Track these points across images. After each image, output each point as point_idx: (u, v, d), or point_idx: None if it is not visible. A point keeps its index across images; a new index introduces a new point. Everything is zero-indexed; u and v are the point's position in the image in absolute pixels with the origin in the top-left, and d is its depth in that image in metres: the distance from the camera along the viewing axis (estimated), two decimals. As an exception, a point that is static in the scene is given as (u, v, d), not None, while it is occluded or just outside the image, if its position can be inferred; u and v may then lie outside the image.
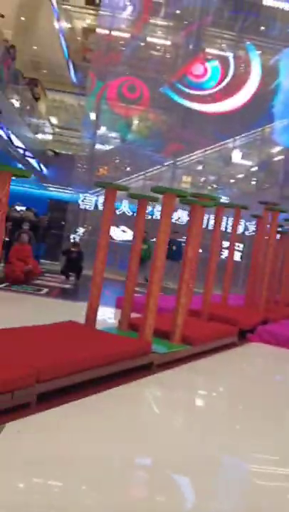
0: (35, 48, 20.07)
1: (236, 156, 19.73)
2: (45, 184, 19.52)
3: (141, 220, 5.97)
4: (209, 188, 19.74)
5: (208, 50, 19.84)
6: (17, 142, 14.75)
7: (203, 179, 20.32)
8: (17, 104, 16.01)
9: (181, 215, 16.62)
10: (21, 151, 15.83)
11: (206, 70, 18.46)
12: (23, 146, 15.40)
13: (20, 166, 17.03)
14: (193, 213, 5.78)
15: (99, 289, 5.49)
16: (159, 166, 18.49)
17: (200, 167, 19.93)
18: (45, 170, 19.28)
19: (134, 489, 2.94)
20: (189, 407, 4.70)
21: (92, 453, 3.16)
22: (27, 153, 15.90)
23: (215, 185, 20.04)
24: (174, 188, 5.45)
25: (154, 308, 5.11)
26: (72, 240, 15.08)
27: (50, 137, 21.44)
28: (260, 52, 19.38)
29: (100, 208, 17.89)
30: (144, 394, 4.52)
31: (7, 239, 12.14)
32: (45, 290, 10.00)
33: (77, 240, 17.83)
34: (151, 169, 18.27)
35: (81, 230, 18.20)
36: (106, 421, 3.74)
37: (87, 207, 17.30)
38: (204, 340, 6.09)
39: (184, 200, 5.85)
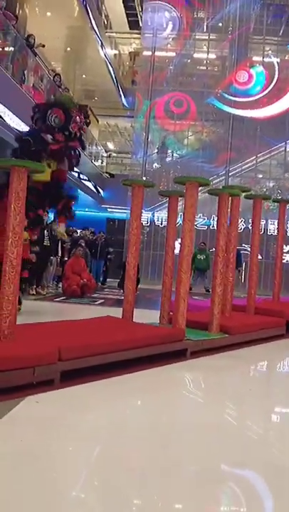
0: (84, 76, 20.96)
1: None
2: (103, 205, 20.10)
3: (173, 217, 6.14)
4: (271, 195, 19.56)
5: (253, 58, 19.92)
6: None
7: (262, 187, 20.16)
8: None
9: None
10: (79, 176, 16.45)
11: (250, 76, 18.53)
12: (78, 171, 15.99)
13: (79, 191, 17.74)
14: (221, 202, 5.86)
15: (133, 283, 5.65)
16: (213, 176, 18.57)
17: (258, 174, 19.84)
18: (102, 192, 19.87)
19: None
20: (214, 387, 4.73)
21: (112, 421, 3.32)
22: (83, 177, 16.50)
23: (278, 191, 19.84)
24: (195, 177, 5.57)
25: (184, 296, 5.21)
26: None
27: (105, 161, 22.09)
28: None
29: (156, 223, 18.23)
30: (172, 375, 4.60)
31: (66, 258, 12.63)
32: (101, 301, 10.30)
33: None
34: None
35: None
36: (131, 396, 3.90)
37: (144, 223, 17.62)
38: (243, 330, 6.10)
39: (212, 191, 5.98)
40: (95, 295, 11.47)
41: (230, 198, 6.29)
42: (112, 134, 26.04)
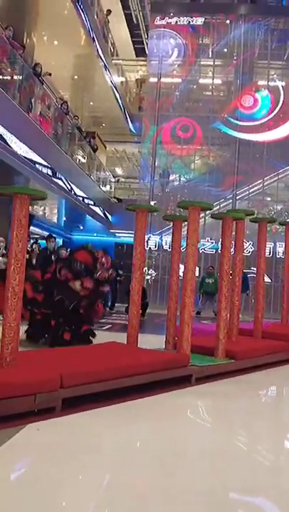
0: (92, 104, 21.27)
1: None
2: (111, 230, 20.18)
3: (177, 241, 6.14)
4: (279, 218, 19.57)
5: (258, 82, 20.14)
6: (79, 192, 15.50)
7: (269, 210, 20.18)
8: (83, 160, 17.02)
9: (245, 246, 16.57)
10: (86, 201, 16.59)
11: (255, 100, 18.72)
12: (85, 195, 16.14)
13: (88, 216, 17.90)
14: (224, 226, 5.85)
15: (137, 307, 5.62)
16: (220, 200, 18.63)
17: (265, 197, 19.87)
18: (110, 217, 19.97)
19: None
20: (221, 413, 4.66)
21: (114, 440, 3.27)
22: (89, 202, 16.63)
23: (286, 214, 19.84)
24: (198, 201, 5.57)
25: (189, 321, 5.17)
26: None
27: (113, 186, 22.25)
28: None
29: (165, 247, 18.24)
30: (176, 401, 4.54)
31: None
32: (108, 326, 10.27)
33: (150, 276, 18.25)
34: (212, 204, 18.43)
35: (153, 273, 18.58)
36: (133, 423, 3.84)
37: (152, 247, 17.68)
38: (249, 355, 6.03)
39: (216, 215, 5.98)
40: (103, 320, 11.41)
41: (235, 222, 6.29)
42: (120, 159, 26.29)
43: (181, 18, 19.61)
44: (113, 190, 22.25)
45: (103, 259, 6.81)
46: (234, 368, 5.73)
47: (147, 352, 5.21)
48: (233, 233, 6.42)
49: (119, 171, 26.38)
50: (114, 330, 9.90)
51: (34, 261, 10.78)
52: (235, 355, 5.80)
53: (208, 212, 6.32)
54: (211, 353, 5.78)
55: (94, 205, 17.22)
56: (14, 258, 3.98)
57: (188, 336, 5.15)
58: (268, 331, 7.45)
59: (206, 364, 5.33)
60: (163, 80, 19.86)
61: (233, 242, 6.57)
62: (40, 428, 3.43)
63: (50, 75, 13.98)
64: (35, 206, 16.41)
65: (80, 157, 16.68)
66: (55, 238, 11.56)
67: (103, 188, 19.76)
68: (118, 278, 15.33)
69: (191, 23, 19.61)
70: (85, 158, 17.14)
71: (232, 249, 6.18)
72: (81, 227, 21.17)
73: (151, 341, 6.51)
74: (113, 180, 22.62)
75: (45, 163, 11.98)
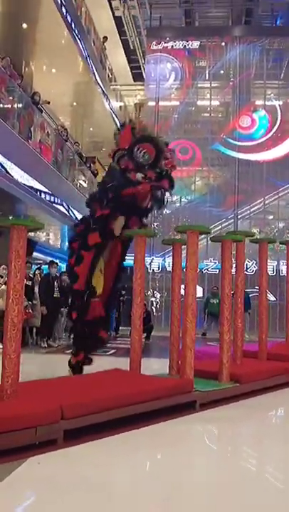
0: (91, 129, 21.48)
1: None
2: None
3: (177, 264, 6.13)
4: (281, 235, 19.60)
5: (256, 102, 20.34)
6: (80, 217, 15.53)
7: (272, 228, 20.21)
8: (84, 184, 17.14)
9: (248, 265, 16.56)
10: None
11: (253, 120, 18.90)
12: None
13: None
14: (224, 248, 5.85)
15: (139, 332, 5.59)
16: (222, 220, 18.67)
17: (267, 216, 19.90)
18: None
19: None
20: (227, 440, 4.59)
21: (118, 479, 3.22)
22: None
23: (287, 232, 19.86)
24: (196, 225, 5.57)
25: (191, 346, 5.13)
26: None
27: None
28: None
29: (168, 269, 18.22)
30: (180, 429, 4.48)
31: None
32: (112, 351, 10.20)
33: (155, 299, 18.21)
34: (214, 224, 18.50)
35: (158, 296, 18.56)
36: (136, 453, 3.79)
37: (155, 269, 17.68)
38: (254, 378, 5.96)
39: (215, 238, 5.98)
40: (107, 344, 11.36)
41: (235, 243, 6.29)
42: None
43: (177, 42, 19.91)
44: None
45: (168, 153, 6.02)
46: (239, 392, 5.67)
47: (150, 379, 5.17)
48: (234, 252, 6.42)
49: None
50: (119, 355, 9.81)
51: (36, 288, 10.77)
52: (240, 378, 5.74)
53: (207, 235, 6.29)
54: (215, 377, 5.73)
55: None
56: (13, 289, 3.98)
57: (191, 361, 5.11)
58: (272, 353, 7.38)
59: (210, 389, 5.28)
60: (161, 103, 20.08)
61: (234, 261, 6.58)
62: (41, 461, 3.39)
63: (48, 103, 14.16)
64: (37, 232, 16.49)
65: (81, 181, 16.80)
66: (57, 264, 11.57)
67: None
68: (121, 298, 15.30)
69: (186, 46, 19.90)
70: (85, 182, 17.25)
71: (233, 270, 6.16)
72: (84, 252, 21.15)
73: (156, 366, 6.48)
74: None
75: (46, 190, 12.06)
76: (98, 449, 3.77)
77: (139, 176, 5.76)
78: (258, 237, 19.73)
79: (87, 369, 6.02)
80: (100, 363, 8.78)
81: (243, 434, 4.72)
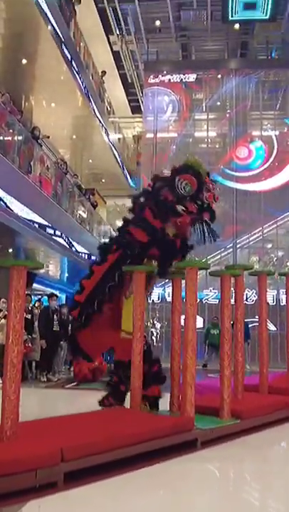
0: (91, 161, 21.73)
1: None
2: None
3: (177, 299, 6.14)
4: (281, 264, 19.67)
5: (252, 132, 20.61)
6: (80, 248, 15.63)
7: (271, 257, 20.26)
8: (84, 214, 17.27)
9: (248, 294, 16.55)
10: (87, 257, 16.68)
11: (250, 151, 19.14)
12: (86, 251, 16.25)
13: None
14: (223, 283, 5.86)
15: (139, 370, 5.56)
16: (221, 249, 18.73)
17: (266, 244, 19.97)
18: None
19: None
20: (229, 480, 4.54)
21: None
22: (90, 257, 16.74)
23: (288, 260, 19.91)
24: (196, 261, 5.57)
25: (192, 383, 5.10)
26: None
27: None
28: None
29: (168, 299, 18.19)
30: (182, 468, 4.43)
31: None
32: (112, 385, 10.10)
33: (155, 329, 18.12)
34: (213, 254, 18.57)
35: (158, 326, 18.50)
36: (137, 495, 3.74)
37: (155, 299, 17.65)
38: (255, 414, 5.92)
39: (214, 272, 6.01)
40: (107, 378, 11.26)
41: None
42: (121, 212, 26.57)
43: (174, 75, 20.26)
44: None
45: (210, 184, 5.79)
46: (240, 429, 5.62)
47: (151, 417, 5.13)
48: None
49: (120, 224, 26.61)
50: (120, 389, 9.73)
51: (36, 322, 10.74)
52: (241, 415, 5.69)
53: (211, 258, 6.32)
54: (216, 413, 5.68)
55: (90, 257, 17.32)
56: (12, 329, 3.98)
57: (191, 398, 5.07)
58: (274, 386, 7.33)
59: (211, 427, 5.23)
60: (159, 135, 20.33)
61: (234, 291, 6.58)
62: (41, 505, 3.36)
63: (48, 137, 14.35)
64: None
65: (80, 212, 16.93)
66: (57, 296, 11.57)
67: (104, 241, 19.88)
68: None
69: (183, 80, 20.25)
70: (85, 212, 17.37)
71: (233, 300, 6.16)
72: (84, 282, 21.16)
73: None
74: (114, 234, 22.78)
75: (46, 223, 12.14)
76: (99, 491, 3.73)
77: (180, 208, 5.64)
78: (257, 266, 19.96)
79: (86, 406, 5.99)
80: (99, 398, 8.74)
81: (245, 474, 4.67)
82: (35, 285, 17.29)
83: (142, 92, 21.59)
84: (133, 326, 5.57)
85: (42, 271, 18.12)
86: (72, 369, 11.43)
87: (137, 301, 5.64)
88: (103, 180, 23.64)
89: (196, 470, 4.53)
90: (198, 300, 17.33)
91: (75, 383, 10.17)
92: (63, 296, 22.37)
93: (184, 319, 5.22)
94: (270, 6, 17.36)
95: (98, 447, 3.99)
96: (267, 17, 17.92)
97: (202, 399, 6.24)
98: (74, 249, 14.75)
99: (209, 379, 10.16)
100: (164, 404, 5.99)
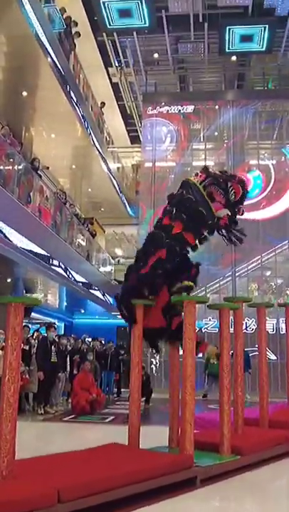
0: (90, 190, 21.90)
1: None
2: (113, 313, 20.11)
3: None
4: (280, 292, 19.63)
5: (250, 161, 20.79)
6: (79, 278, 15.60)
7: (270, 286, 20.23)
8: (83, 243, 17.32)
9: (248, 323, 16.48)
10: (85, 286, 16.66)
11: (248, 180, 19.24)
12: (84, 280, 16.24)
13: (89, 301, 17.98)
14: (222, 316, 5.84)
15: (138, 407, 5.50)
16: (220, 278, 18.71)
17: (265, 272, 19.95)
18: (111, 299, 19.96)
19: None
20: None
21: None
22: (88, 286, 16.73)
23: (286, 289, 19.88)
24: (195, 296, 5.54)
25: (191, 420, 5.04)
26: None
27: (113, 268, 22.35)
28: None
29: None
30: (181, 508, 4.34)
31: (75, 372, 12.46)
32: (111, 417, 9.98)
33: (154, 360, 17.97)
34: (212, 282, 18.55)
35: (157, 357, 18.33)
36: None
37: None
38: (256, 449, 5.83)
39: (212, 306, 6.00)
40: (106, 410, 11.15)
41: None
42: (120, 240, 26.68)
43: (172, 106, 20.51)
44: (113, 271, 22.38)
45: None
46: (240, 465, 5.54)
47: (149, 455, 5.05)
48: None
49: (119, 252, 26.68)
50: (118, 422, 9.53)
51: (34, 353, 10.67)
52: (241, 451, 5.62)
53: (211, 285, 6.30)
54: (216, 449, 5.60)
55: (94, 289, 17.30)
56: (9, 368, 3.95)
57: (190, 435, 5.01)
58: (274, 420, 7.24)
59: (210, 464, 5.15)
60: (158, 164, 20.47)
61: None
62: None
63: (47, 168, 14.46)
64: (34, 294, 16.51)
65: (79, 240, 16.98)
66: (55, 328, 11.50)
67: (103, 269, 19.89)
68: (120, 357, 15.17)
69: (181, 111, 20.49)
70: (84, 241, 17.42)
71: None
72: (82, 311, 21.14)
73: (156, 434, 6.32)
74: (113, 262, 22.81)
75: (44, 253, 12.14)
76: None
77: (225, 212, 5.72)
78: (257, 293, 19.92)
79: (84, 441, 5.89)
80: (98, 433, 8.65)
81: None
82: (33, 314, 17.25)
83: (141, 123, 21.83)
84: (131, 362, 5.54)
85: (40, 299, 18.10)
86: (70, 400, 11.32)
87: (134, 335, 5.61)
88: (102, 209, 23.78)
89: (195, 510, 4.45)
90: (198, 329, 17.31)
91: (73, 416, 10.07)
92: (62, 325, 22.31)
93: (183, 354, 5.18)
94: (266, 39, 17.66)
95: (95, 487, 3.91)
96: (263, 49, 18.21)
97: (202, 434, 6.18)
98: (72, 278, 14.73)
99: (209, 412, 10.03)
100: (164, 439, 5.91)
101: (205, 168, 5.98)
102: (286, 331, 9.05)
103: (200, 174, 5.87)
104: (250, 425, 7.00)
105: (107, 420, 9.71)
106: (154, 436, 6.29)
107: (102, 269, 19.56)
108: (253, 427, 7.06)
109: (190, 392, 5.08)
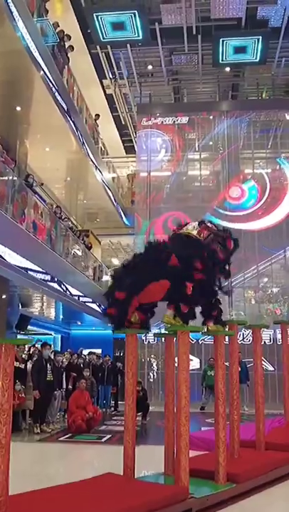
0: (85, 202, 21.91)
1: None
2: (110, 324, 20.05)
3: (170, 358, 6.09)
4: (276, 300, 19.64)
5: (245, 171, 20.84)
6: (75, 291, 15.56)
7: (267, 294, 20.25)
8: (78, 252, 17.31)
9: (245, 334, 16.48)
10: (81, 300, 16.62)
11: (243, 191, 19.34)
12: (80, 293, 16.19)
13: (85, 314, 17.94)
14: (216, 344, 5.83)
15: (133, 435, 5.47)
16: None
17: (262, 279, 19.94)
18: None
19: None
20: None
21: None
22: (84, 300, 16.69)
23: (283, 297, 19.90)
24: (189, 326, 5.49)
25: (185, 451, 5.01)
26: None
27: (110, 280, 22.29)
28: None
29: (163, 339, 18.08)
30: None
31: (70, 386, 12.44)
32: (108, 436, 9.93)
33: (152, 371, 17.96)
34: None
35: (155, 368, 18.31)
36: None
37: (151, 340, 17.54)
38: (252, 476, 5.81)
39: (208, 332, 5.99)
40: (103, 427, 11.12)
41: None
42: (116, 250, 26.66)
43: (167, 118, 20.55)
44: (110, 282, 22.30)
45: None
46: (237, 493, 5.51)
47: (144, 488, 5.02)
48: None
49: (115, 261, 26.67)
50: (114, 441, 9.48)
51: (30, 371, 10.62)
52: (238, 478, 5.59)
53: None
54: (211, 477, 5.57)
55: (90, 302, 17.26)
56: (0, 409, 3.91)
57: (185, 466, 4.99)
58: (271, 442, 7.21)
59: (206, 494, 5.13)
60: (153, 173, 20.48)
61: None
62: None
63: (42, 184, 14.43)
64: (30, 308, 16.47)
65: (75, 251, 16.96)
66: (50, 346, 11.45)
67: (99, 282, 19.83)
68: (118, 368, 15.15)
69: (176, 122, 20.53)
70: (80, 251, 17.41)
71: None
72: (79, 323, 21.10)
73: (152, 454, 6.31)
74: (109, 273, 22.77)
75: (39, 269, 12.11)
76: None
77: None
78: (254, 301, 19.90)
79: (80, 464, 5.87)
80: (94, 454, 8.62)
81: None
82: (29, 327, 17.21)
83: (136, 133, 21.86)
84: (125, 390, 5.52)
85: (36, 312, 18.06)
86: (66, 417, 11.26)
87: (128, 364, 5.58)
88: (98, 220, 23.79)
89: None
90: (195, 340, 17.29)
91: (69, 435, 10.03)
92: (59, 337, 22.26)
93: (177, 386, 5.16)
94: (259, 50, 17.71)
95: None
96: (257, 60, 18.27)
97: (198, 460, 6.15)
98: (68, 292, 14.70)
99: (205, 430, 10.00)
100: (160, 460, 5.88)
101: (204, 225, 6.14)
102: (282, 347, 9.06)
103: (200, 230, 6.05)
104: (246, 448, 6.98)
105: (103, 440, 9.66)
106: (151, 458, 6.28)
107: (98, 281, 19.50)
108: (250, 449, 7.03)
109: (184, 424, 5.05)
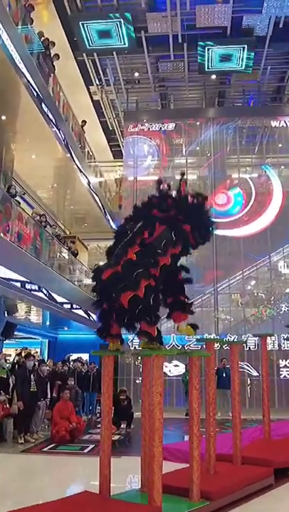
0: (72, 207, 22.00)
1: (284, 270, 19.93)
2: (95, 329, 20.11)
3: (146, 378, 6.20)
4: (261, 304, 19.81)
5: (232, 175, 21.01)
6: (60, 299, 15.63)
7: (252, 299, 20.44)
8: (66, 256, 17.40)
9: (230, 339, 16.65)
10: (67, 307, 16.69)
11: (228, 198, 19.52)
12: (66, 300, 16.27)
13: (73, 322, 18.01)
14: (191, 364, 5.96)
15: (108, 456, 5.59)
16: (200, 295, 18.84)
17: (249, 282, 20.12)
18: (93, 316, 19.99)
19: None
20: None
21: None
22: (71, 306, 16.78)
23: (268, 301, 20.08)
24: (162, 349, 5.60)
25: (158, 473, 5.13)
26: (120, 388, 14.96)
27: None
28: (282, 167, 20.50)
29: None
30: None
31: (55, 395, 12.52)
32: (91, 447, 10.03)
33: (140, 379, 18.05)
34: (194, 299, 18.66)
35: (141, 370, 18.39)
36: None
37: (137, 347, 17.63)
38: (226, 493, 5.96)
39: (183, 354, 6.12)
40: (87, 436, 11.23)
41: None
42: (104, 254, 26.73)
43: (153, 124, 20.68)
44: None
45: None
46: (210, 510, 5.65)
47: (118, 507, 5.14)
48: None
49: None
50: (96, 452, 9.36)
51: (12, 382, 10.70)
52: (212, 496, 5.73)
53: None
54: (186, 494, 5.70)
55: (76, 308, 17.34)
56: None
57: (159, 487, 5.11)
58: (247, 456, 7.36)
59: (179, 514, 5.26)
60: (140, 178, 20.57)
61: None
62: None
63: (24, 194, 14.45)
64: (16, 314, 16.51)
65: (63, 255, 17.05)
66: (34, 356, 11.53)
67: (85, 282, 19.85)
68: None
69: (162, 128, 20.67)
70: (67, 256, 17.48)
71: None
72: (66, 328, 21.18)
73: (131, 466, 6.40)
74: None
75: (24, 279, 12.19)
76: None
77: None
78: (240, 305, 20.06)
79: (62, 477, 5.97)
80: (76, 466, 8.73)
81: None
82: (16, 332, 17.24)
83: (123, 138, 21.96)
84: (101, 410, 5.64)
85: (22, 318, 18.10)
86: (50, 427, 11.34)
87: (104, 384, 5.71)
88: (86, 224, 23.87)
89: None
90: (180, 346, 17.41)
91: (53, 445, 10.13)
92: (46, 341, 22.33)
93: (150, 408, 5.28)
94: (245, 58, 17.90)
95: None
96: (242, 68, 18.46)
97: (172, 476, 6.27)
98: (54, 301, 14.78)
99: (186, 441, 10.11)
100: (139, 476, 6.00)
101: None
102: (261, 361, 9.23)
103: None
104: (223, 461, 7.12)
105: (86, 450, 9.77)
106: (132, 469, 6.38)
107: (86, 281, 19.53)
108: (227, 463, 7.18)
109: (158, 445, 5.17)
